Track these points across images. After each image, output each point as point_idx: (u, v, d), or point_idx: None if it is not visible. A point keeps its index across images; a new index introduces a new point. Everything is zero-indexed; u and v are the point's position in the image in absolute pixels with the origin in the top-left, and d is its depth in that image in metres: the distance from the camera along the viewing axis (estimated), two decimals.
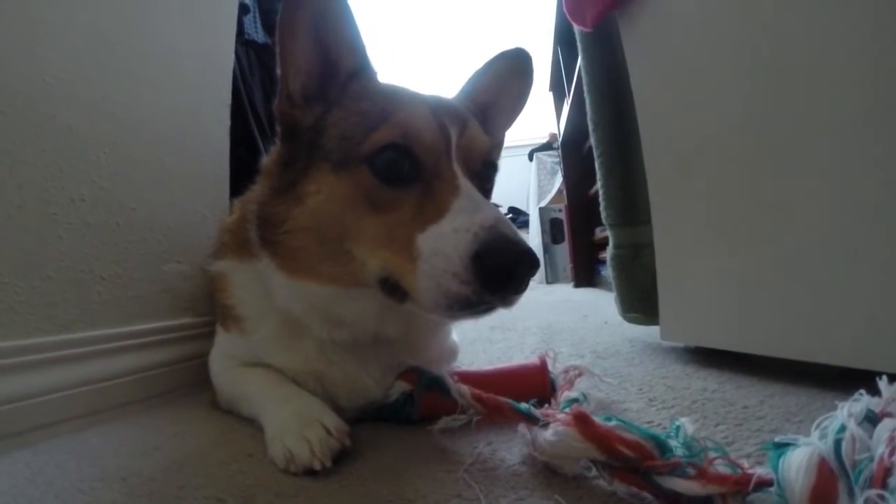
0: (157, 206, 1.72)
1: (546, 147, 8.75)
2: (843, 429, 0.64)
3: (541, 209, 7.95)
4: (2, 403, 1.21)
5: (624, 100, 1.99)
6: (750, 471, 0.71)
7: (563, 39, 5.00)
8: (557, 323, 2.94)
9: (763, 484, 0.68)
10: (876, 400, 0.70)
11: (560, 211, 7.25)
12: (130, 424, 1.37)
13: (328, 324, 1.17)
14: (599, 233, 5.28)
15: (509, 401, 1.01)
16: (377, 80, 1.23)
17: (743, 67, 1.39)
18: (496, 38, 10.43)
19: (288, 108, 1.18)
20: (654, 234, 1.79)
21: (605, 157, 2.24)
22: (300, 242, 1.11)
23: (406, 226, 0.99)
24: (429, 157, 1.05)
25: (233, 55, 2.20)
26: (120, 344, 1.53)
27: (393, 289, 1.01)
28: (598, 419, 0.82)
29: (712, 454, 0.74)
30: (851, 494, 0.59)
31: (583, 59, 2.36)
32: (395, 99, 1.13)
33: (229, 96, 2.13)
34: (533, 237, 8.29)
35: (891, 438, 0.59)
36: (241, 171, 1.92)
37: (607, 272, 2.35)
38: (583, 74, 2.38)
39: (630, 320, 2.13)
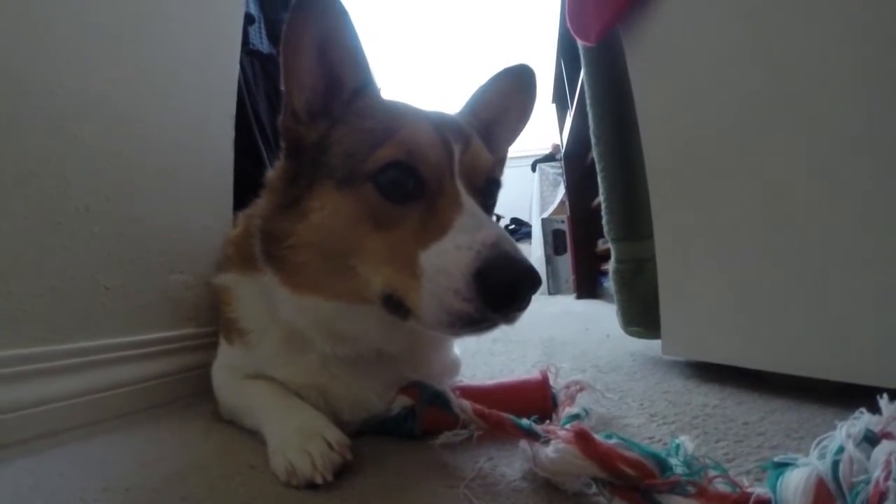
0: (161, 216, 1.72)
1: (549, 158, 8.76)
2: (841, 450, 0.65)
3: (543, 220, 7.96)
4: (5, 412, 1.21)
5: (627, 114, 1.99)
6: (749, 490, 0.71)
7: (566, 51, 5.02)
8: (559, 335, 2.94)
9: None
10: (876, 418, 0.70)
11: (562, 222, 7.26)
12: (133, 435, 1.37)
13: (331, 339, 1.17)
14: (602, 244, 5.28)
15: (511, 416, 1.01)
16: (381, 97, 1.24)
17: (745, 83, 1.40)
18: (500, 51, 10.44)
19: (292, 124, 1.19)
20: (656, 249, 1.79)
21: (608, 171, 2.24)
22: (304, 258, 1.12)
23: (409, 243, 0.99)
24: (432, 174, 1.06)
25: (238, 66, 2.21)
26: (123, 354, 1.53)
27: (396, 306, 1.01)
28: (598, 436, 0.83)
29: (712, 473, 0.75)
30: None
31: (585, 73, 2.37)
32: (398, 116, 1.14)
33: (234, 107, 2.14)
34: (535, 248, 8.29)
35: (887, 462, 0.59)
36: (245, 183, 1.93)
37: (609, 284, 2.35)
38: (585, 88, 2.39)
39: (632, 334, 2.13)
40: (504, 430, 1.01)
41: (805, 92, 1.25)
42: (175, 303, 1.76)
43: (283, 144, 1.24)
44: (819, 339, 1.27)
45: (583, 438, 0.82)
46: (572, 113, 5.18)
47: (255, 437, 1.20)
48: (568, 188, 6.27)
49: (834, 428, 0.70)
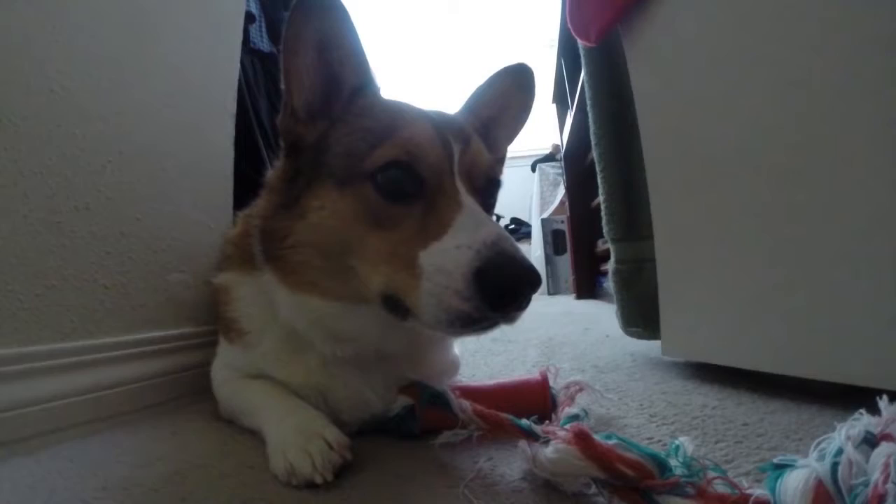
0: (161, 215, 1.72)
1: (549, 158, 8.77)
2: (840, 452, 0.65)
3: (543, 220, 7.96)
4: (5, 410, 1.21)
5: (627, 115, 2.00)
6: (748, 491, 0.71)
7: (567, 51, 5.02)
8: (559, 336, 2.94)
9: None
10: (875, 420, 0.71)
11: (562, 222, 7.26)
12: (132, 433, 1.37)
13: (331, 339, 1.17)
14: (601, 245, 5.29)
15: (510, 417, 1.01)
16: (381, 97, 1.24)
17: (746, 83, 1.40)
18: (500, 50, 10.45)
19: (292, 124, 1.19)
20: (656, 249, 1.79)
21: (608, 172, 2.24)
22: (303, 257, 1.12)
23: (408, 242, 0.99)
24: (432, 173, 1.06)
25: (238, 65, 2.21)
26: (122, 352, 1.53)
27: (395, 306, 1.01)
28: (598, 437, 0.83)
29: (711, 474, 0.75)
30: None
31: (586, 73, 2.37)
32: (398, 115, 1.14)
33: (234, 106, 2.14)
34: (535, 248, 8.30)
35: (885, 465, 0.59)
36: (245, 182, 1.93)
37: (609, 284, 2.35)
38: (586, 88, 2.39)
39: (631, 334, 2.13)
40: (504, 431, 1.01)
41: (806, 93, 1.25)
42: (174, 302, 1.76)
43: (282, 144, 1.24)
44: (818, 340, 1.27)
45: (582, 439, 0.82)
46: (573, 113, 5.19)
47: (254, 436, 1.21)
48: (568, 188, 6.28)
49: (833, 429, 0.71)
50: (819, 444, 0.70)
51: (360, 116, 1.16)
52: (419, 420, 1.16)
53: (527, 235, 9.24)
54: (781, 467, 0.71)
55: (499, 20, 11.08)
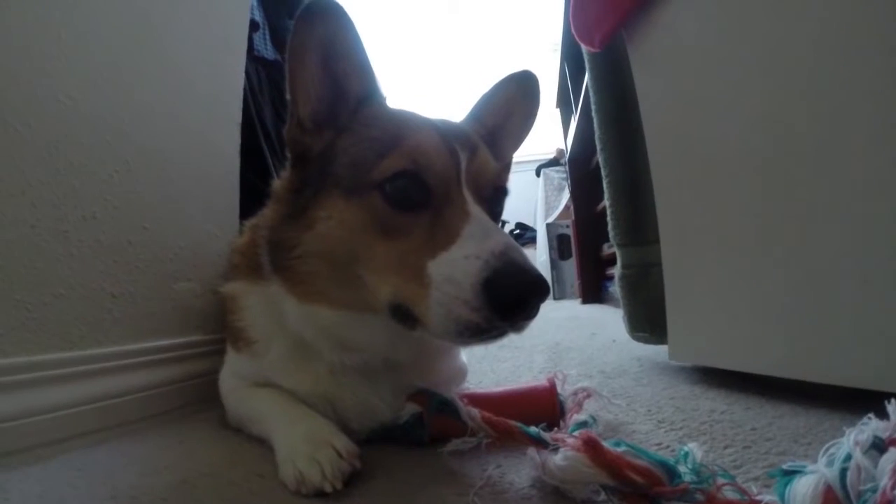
0: (168, 224, 1.73)
1: (553, 163, 8.78)
2: (849, 457, 0.65)
3: (548, 225, 7.97)
4: (14, 419, 1.22)
5: (632, 119, 2.00)
6: (757, 497, 0.71)
7: (571, 56, 5.03)
8: (565, 341, 2.94)
9: None
10: (884, 424, 0.70)
11: (567, 227, 7.27)
12: (140, 442, 1.37)
13: (339, 348, 1.17)
14: (607, 249, 5.29)
15: (519, 424, 1.01)
16: (387, 105, 1.24)
17: (750, 86, 1.40)
18: (504, 54, 10.46)
19: (298, 134, 1.18)
20: (662, 254, 1.79)
21: (613, 176, 2.24)
22: (311, 267, 1.12)
23: (417, 252, 0.99)
24: (439, 183, 1.06)
25: (243, 73, 2.21)
26: (130, 361, 1.54)
27: (404, 315, 1.01)
28: (607, 444, 0.83)
29: (720, 480, 0.75)
30: None
31: (590, 78, 2.38)
32: (405, 124, 1.14)
33: (240, 114, 2.14)
34: (540, 253, 8.31)
35: (894, 470, 0.59)
36: (251, 190, 1.94)
37: (615, 288, 2.35)
38: (590, 93, 2.39)
39: (638, 339, 2.13)
40: (513, 438, 1.01)
41: (811, 96, 1.25)
42: (182, 310, 1.77)
43: (288, 155, 1.24)
44: (826, 344, 1.27)
45: (591, 446, 0.82)
46: (576, 117, 5.19)
47: (263, 444, 1.20)
48: (572, 193, 6.28)
49: (842, 434, 0.71)
50: (828, 449, 0.70)
51: (366, 126, 1.16)
52: (428, 428, 1.16)
53: (532, 240, 9.26)
54: (790, 473, 0.71)
55: (502, 24, 11.12)
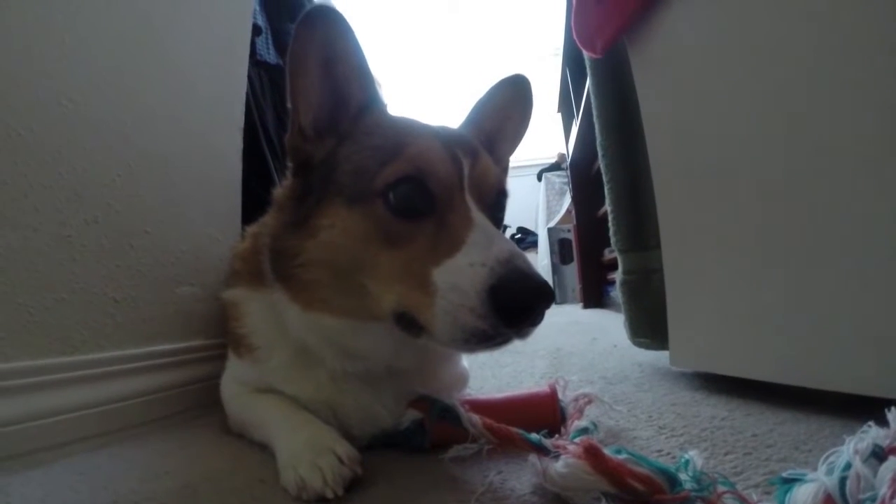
0: (170, 228, 1.73)
1: (555, 167, 8.79)
2: (849, 466, 0.65)
3: (549, 229, 7.98)
4: (16, 423, 1.22)
5: (633, 125, 2.00)
6: None
7: (572, 60, 5.03)
8: (567, 346, 2.94)
9: None
10: (884, 432, 0.71)
11: (569, 231, 7.27)
12: (142, 447, 1.37)
13: (342, 355, 1.17)
14: (608, 253, 5.29)
15: (520, 431, 1.02)
16: (387, 113, 1.24)
17: (752, 93, 1.40)
18: (506, 59, 10.48)
19: (300, 142, 1.19)
20: (663, 259, 1.80)
21: (615, 182, 2.25)
22: (314, 276, 1.12)
23: (421, 260, 0.99)
24: (443, 189, 1.06)
25: (246, 77, 2.22)
26: (132, 365, 1.54)
27: (409, 323, 1.01)
28: (608, 451, 0.83)
29: (721, 488, 0.75)
30: None
31: (591, 83, 2.38)
32: (407, 132, 1.14)
33: (242, 119, 2.15)
34: (541, 257, 8.31)
35: (893, 479, 0.59)
36: (252, 194, 1.94)
37: (616, 293, 2.35)
38: (592, 99, 2.40)
39: (639, 345, 2.13)
40: (514, 445, 1.01)
41: (812, 102, 1.26)
42: (184, 315, 1.77)
43: (290, 163, 1.24)
44: (827, 350, 1.27)
45: (592, 453, 0.82)
46: (578, 122, 5.19)
47: (264, 450, 1.21)
48: (574, 197, 6.28)
49: (843, 441, 0.71)
50: (828, 457, 0.70)
51: (368, 134, 1.16)
52: (429, 434, 1.16)
53: (533, 244, 9.26)
54: (790, 481, 0.71)
55: (504, 28, 11.12)
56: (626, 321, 2.17)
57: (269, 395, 1.29)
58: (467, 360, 1.53)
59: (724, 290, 1.56)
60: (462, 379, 1.46)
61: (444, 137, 1.13)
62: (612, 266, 3.25)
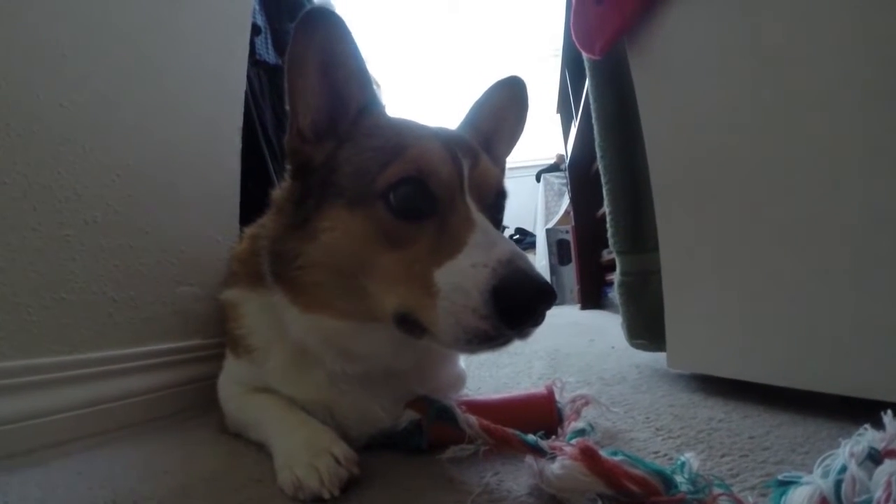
0: (169, 228, 1.74)
1: (553, 168, 8.79)
2: (844, 469, 0.65)
3: (548, 230, 7.98)
4: (14, 422, 1.22)
5: (632, 127, 2.00)
6: None
7: (571, 62, 5.03)
8: (565, 347, 2.94)
9: None
10: (880, 435, 0.71)
11: (567, 232, 7.27)
12: (140, 446, 1.38)
13: (341, 357, 1.17)
14: (606, 255, 5.29)
15: (517, 432, 1.02)
16: (386, 115, 1.24)
17: (751, 95, 1.40)
18: (506, 60, 10.48)
19: (299, 144, 1.19)
20: (661, 261, 1.80)
21: (613, 183, 2.24)
22: (314, 278, 1.12)
23: (423, 261, 0.99)
24: (444, 191, 1.06)
25: (245, 79, 2.22)
26: (131, 365, 1.54)
27: (411, 325, 1.01)
28: (604, 453, 0.83)
29: (716, 490, 0.75)
30: None
31: (590, 85, 2.38)
32: (407, 133, 1.14)
33: (241, 119, 2.15)
34: (540, 258, 8.30)
35: (888, 483, 0.59)
36: (251, 195, 1.94)
37: (614, 294, 2.35)
38: (590, 100, 2.39)
39: (637, 346, 2.13)
40: (510, 446, 1.01)
41: (810, 106, 1.26)
42: (183, 314, 1.77)
43: (288, 166, 1.24)
44: (825, 353, 1.27)
45: (588, 455, 0.82)
46: (577, 123, 5.19)
47: (261, 449, 1.21)
48: (572, 198, 6.28)
49: (839, 443, 0.71)
50: (823, 460, 0.71)
51: (368, 136, 1.16)
52: (426, 435, 1.16)
53: (531, 245, 9.25)
54: (786, 484, 0.71)
55: (503, 29, 11.12)
56: (624, 323, 2.17)
57: (266, 396, 1.30)
58: (465, 361, 1.53)
59: (721, 292, 1.56)
60: (460, 380, 1.46)
61: (443, 138, 1.14)
62: (611, 267, 3.25)
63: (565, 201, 7.38)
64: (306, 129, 1.18)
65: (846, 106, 1.18)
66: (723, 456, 1.08)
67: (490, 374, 2.20)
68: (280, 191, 1.29)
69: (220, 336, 1.57)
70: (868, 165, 1.15)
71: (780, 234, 1.35)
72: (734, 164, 1.47)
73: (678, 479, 0.79)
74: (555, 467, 0.86)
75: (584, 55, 2.21)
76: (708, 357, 1.65)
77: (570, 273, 7.40)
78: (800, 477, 0.71)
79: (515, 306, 0.89)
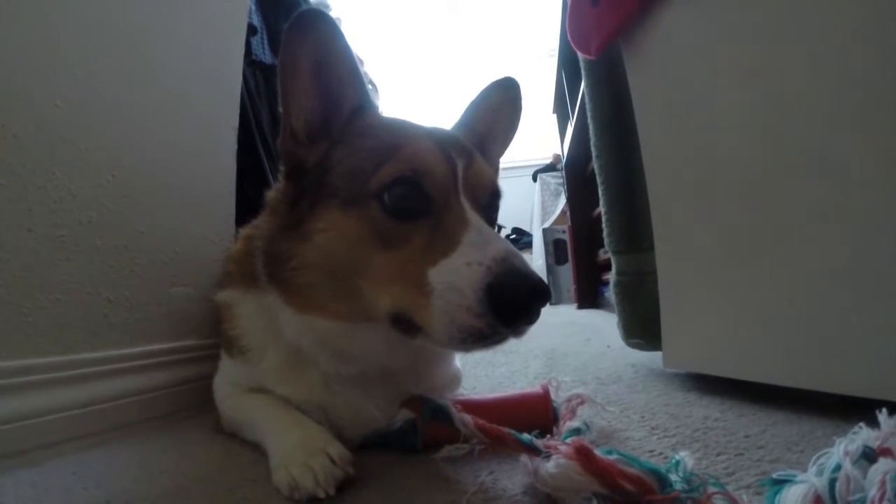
0: (164, 229, 1.73)
1: (550, 168, 8.78)
2: (839, 467, 0.65)
3: (544, 230, 7.97)
4: (8, 422, 1.22)
5: (627, 127, 2.00)
6: None
7: (567, 62, 5.02)
8: (561, 346, 2.94)
9: None
10: (875, 433, 0.71)
11: (563, 232, 7.26)
12: (135, 446, 1.38)
13: (336, 358, 1.17)
14: (603, 254, 5.28)
15: (512, 431, 1.02)
16: (380, 115, 1.24)
17: (746, 95, 1.41)
18: (502, 59, 10.49)
19: (292, 146, 1.19)
20: (656, 261, 1.80)
21: (608, 183, 2.25)
22: (309, 279, 1.11)
23: (417, 261, 0.99)
24: (438, 190, 1.06)
25: (241, 79, 2.22)
26: (125, 365, 1.54)
27: (406, 325, 1.01)
28: (599, 452, 0.83)
29: (711, 489, 0.75)
30: None
31: (586, 85, 2.38)
32: (400, 133, 1.14)
33: (237, 120, 2.15)
34: (536, 258, 8.30)
35: (882, 482, 0.60)
36: (247, 195, 1.94)
37: (610, 294, 2.36)
38: (586, 100, 2.40)
39: (633, 346, 2.14)
40: (505, 445, 1.01)
41: (806, 106, 1.26)
42: (177, 315, 1.77)
43: (282, 167, 1.24)
44: (820, 351, 1.27)
45: (583, 454, 0.82)
46: (573, 123, 5.19)
47: (256, 449, 1.21)
48: (569, 198, 6.28)
49: (834, 442, 0.71)
50: (818, 458, 0.71)
51: (361, 136, 1.16)
52: (421, 434, 1.16)
53: (528, 245, 9.26)
54: (781, 482, 0.71)
55: (503, 30, 11.12)
56: (620, 322, 2.17)
57: (261, 396, 1.29)
58: (460, 361, 1.53)
59: (717, 291, 1.56)
60: (455, 379, 1.46)
61: (437, 138, 1.14)
62: (607, 267, 3.25)
63: (562, 201, 7.37)
64: (300, 130, 1.18)
65: (843, 106, 1.18)
66: (718, 455, 1.08)
67: (486, 374, 2.20)
68: (274, 192, 1.29)
69: (214, 336, 1.57)
70: (865, 164, 1.15)
71: (775, 234, 1.36)
72: (729, 164, 1.47)
73: (673, 477, 0.79)
74: (550, 466, 0.86)
75: (580, 56, 2.21)
76: (703, 356, 1.65)
77: (566, 273, 7.39)
78: (794, 475, 0.71)
79: (510, 304, 0.89)
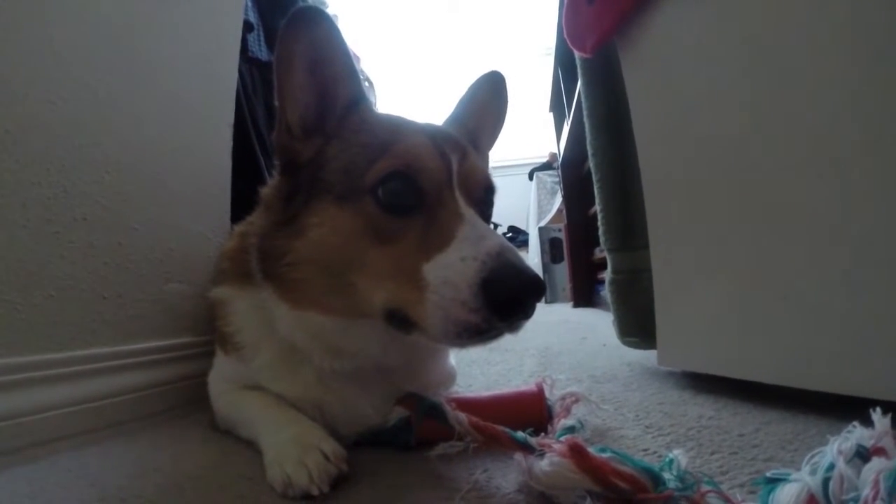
0: (159, 226, 1.73)
1: (546, 167, 8.79)
2: (832, 466, 0.65)
3: (540, 228, 7.97)
4: (3, 419, 1.21)
5: (623, 126, 2.00)
6: None
7: (564, 60, 5.03)
8: (556, 345, 2.94)
9: None
10: (869, 432, 0.71)
11: (560, 230, 7.27)
12: (130, 444, 1.38)
13: (330, 354, 1.17)
14: (599, 253, 5.29)
15: (506, 429, 1.02)
16: (374, 111, 1.24)
17: (742, 94, 1.41)
18: (499, 58, 10.48)
19: (287, 140, 1.19)
20: (652, 259, 1.80)
21: (604, 182, 2.25)
22: (303, 275, 1.11)
23: (411, 256, 0.99)
24: (432, 185, 1.06)
25: (236, 75, 2.21)
26: (120, 362, 1.54)
27: (400, 320, 1.01)
28: (592, 450, 0.83)
29: (705, 487, 0.75)
30: None
31: (582, 84, 2.38)
32: (395, 129, 1.15)
33: (232, 116, 2.14)
34: (532, 256, 8.30)
35: (875, 481, 0.60)
36: (242, 192, 1.93)
37: (605, 292, 2.36)
38: (582, 99, 2.39)
39: (628, 344, 2.14)
40: (499, 443, 1.01)
41: (801, 104, 1.26)
42: (172, 312, 1.76)
43: (277, 162, 1.25)
44: (814, 350, 1.27)
45: (577, 452, 0.82)
46: (570, 121, 5.19)
47: (251, 447, 1.21)
48: (565, 197, 6.29)
49: (828, 441, 0.71)
50: (812, 457, 0.71)
51: (356, 132, 1.16)
52: (415, 432, 1.16)
53: (524, 244, 9.27)
54: (774, 481, 0.71)
55: (497, 28, 11.11)
56: (615, 320, 2.17)
57: (256, 393, 1.29)
58: (455, 358, 1.53)
59: (712, 290, 1.56)
60: (449, 377, 1.46)
61: (431, 134, 1.14)
62: (603, 265, 3.25)
63: (558, 200, 7.37)
64: (294, 125, 1.18)
65: (839, 103, 1.18)
66: (712, 453, 1.08)
67: (481, 372, 2.20)
68: (269, 188, 1.29)
69: (209, 333, 1.57)
70: (862, 161, 1.15)
71: (771, 232, 1.36)
72: (725, 163, 1.47)
73: (667, 476, 0.79)
74: (543, 464, 0.86)
75: (576, 54, 2.21)
76: (698, 355, 1.65)
77: (562, 271, 7.40)
78: (788, 474, 0.71)
79: (505, 299, 0.89)
